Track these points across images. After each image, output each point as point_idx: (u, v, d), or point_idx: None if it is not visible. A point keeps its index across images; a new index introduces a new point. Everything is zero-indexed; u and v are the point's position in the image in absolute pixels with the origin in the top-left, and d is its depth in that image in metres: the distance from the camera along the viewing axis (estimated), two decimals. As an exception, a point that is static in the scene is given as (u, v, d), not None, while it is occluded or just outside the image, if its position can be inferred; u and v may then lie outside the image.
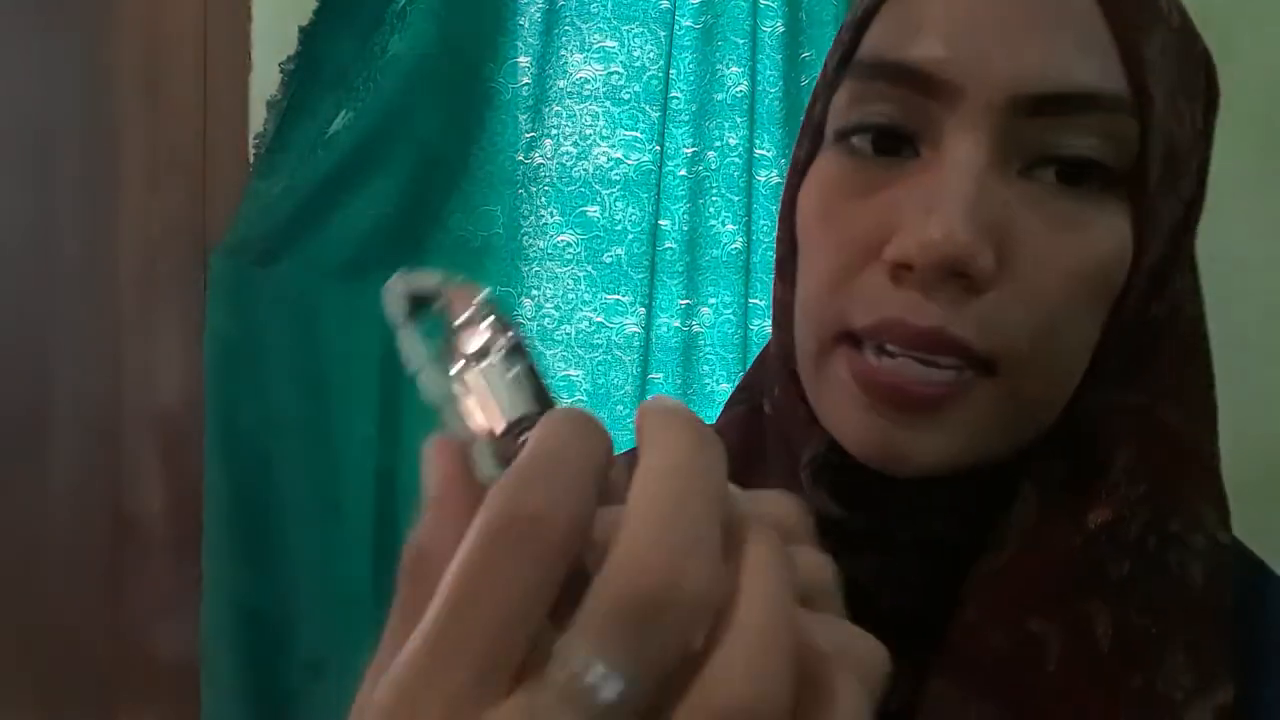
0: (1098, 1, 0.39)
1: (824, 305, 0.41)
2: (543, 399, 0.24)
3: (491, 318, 0.24)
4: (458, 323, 0.25)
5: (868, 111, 0.41)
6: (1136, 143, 0.39)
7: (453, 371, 0.24)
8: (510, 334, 0.24)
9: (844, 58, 0.43)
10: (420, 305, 0.26)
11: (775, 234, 0.48)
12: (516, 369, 0.24)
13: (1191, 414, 0.44)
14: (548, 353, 1.36)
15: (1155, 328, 0.42)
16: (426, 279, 0.26)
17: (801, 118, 0.47)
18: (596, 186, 1.36)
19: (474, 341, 0.24)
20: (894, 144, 0.40)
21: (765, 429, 0.48)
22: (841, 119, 0.42)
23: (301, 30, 1.24)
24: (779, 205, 0.47)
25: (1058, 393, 0.41)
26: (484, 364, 0.24)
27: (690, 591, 0.19)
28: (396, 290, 0.26)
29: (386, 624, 0.22)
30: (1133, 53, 0.39)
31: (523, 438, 0.22)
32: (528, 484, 0.20)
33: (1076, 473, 0.41)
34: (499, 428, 0.23)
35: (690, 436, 0.21)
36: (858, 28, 0.42)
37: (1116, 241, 0.40)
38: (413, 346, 0.25)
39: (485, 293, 0.25)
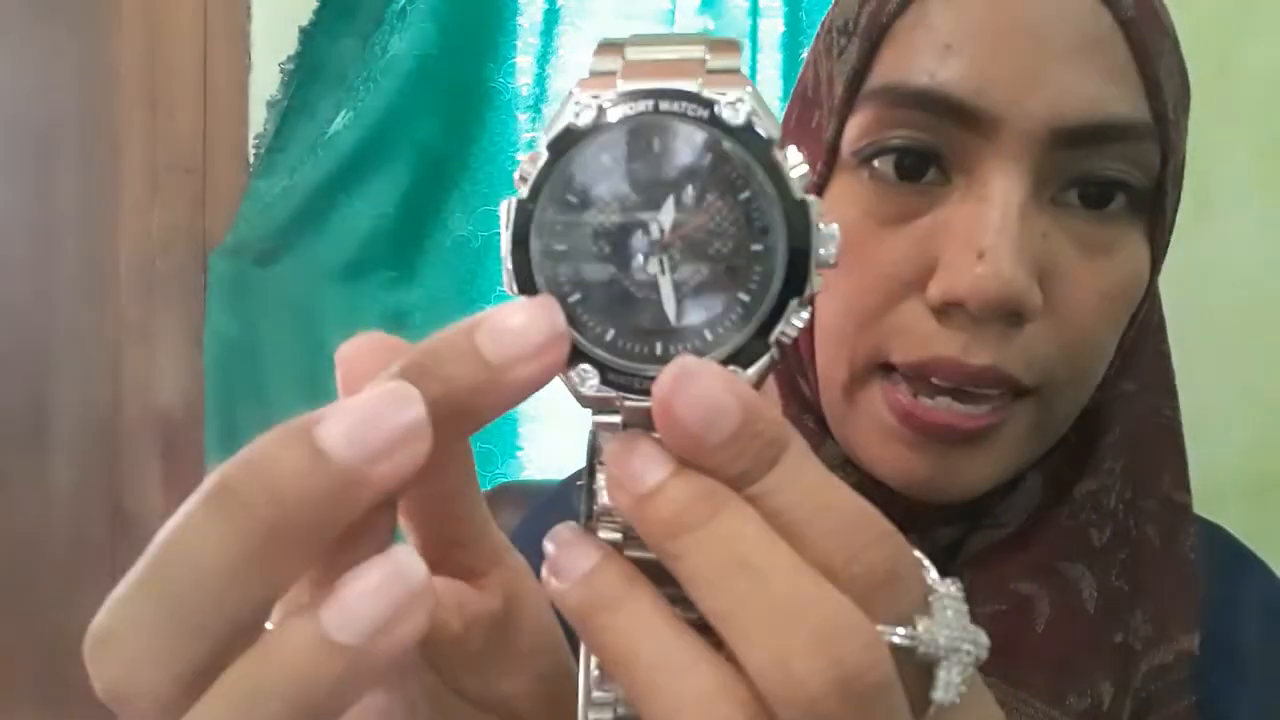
0: (1119, 23, 0.38)
1: (858, 336, 0.40)
2: None
3: None
4: None
5: (891, 134, 0.39)
6: (1158, 166, 0.39)
7: None
8: None
9: (855, 77, 0.41)
10: None
11: None
12: None
13: (1160, 393, 0.46)
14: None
15: (1144, 325, 0.44)
16: None
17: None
18: (596, 186, 1.36)
19: None
20: (919, 167, 0.39)
21: None
22: (862, 141, 0.40)
23: (301, 30, 1.24)
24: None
25: (1083, 402, 0.42)
26: None
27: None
28: None
29: None
30: (1152, 78, 0.39)
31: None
32: None
33: (1075, 455, 0.43)
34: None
35: (208, 497, 0.19)
36: (869, 43, 0.41)
37: (1141, 261, 0.41)
38: None
39: None
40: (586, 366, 0.21)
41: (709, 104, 0.21)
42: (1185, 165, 0.43)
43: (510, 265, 0.21)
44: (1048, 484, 0.43)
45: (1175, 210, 0.43)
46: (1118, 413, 0.44)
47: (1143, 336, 0.45)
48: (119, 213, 1.30)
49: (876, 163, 0.40)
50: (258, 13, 1.29)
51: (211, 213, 1.30)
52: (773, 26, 1.36)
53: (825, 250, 0.21)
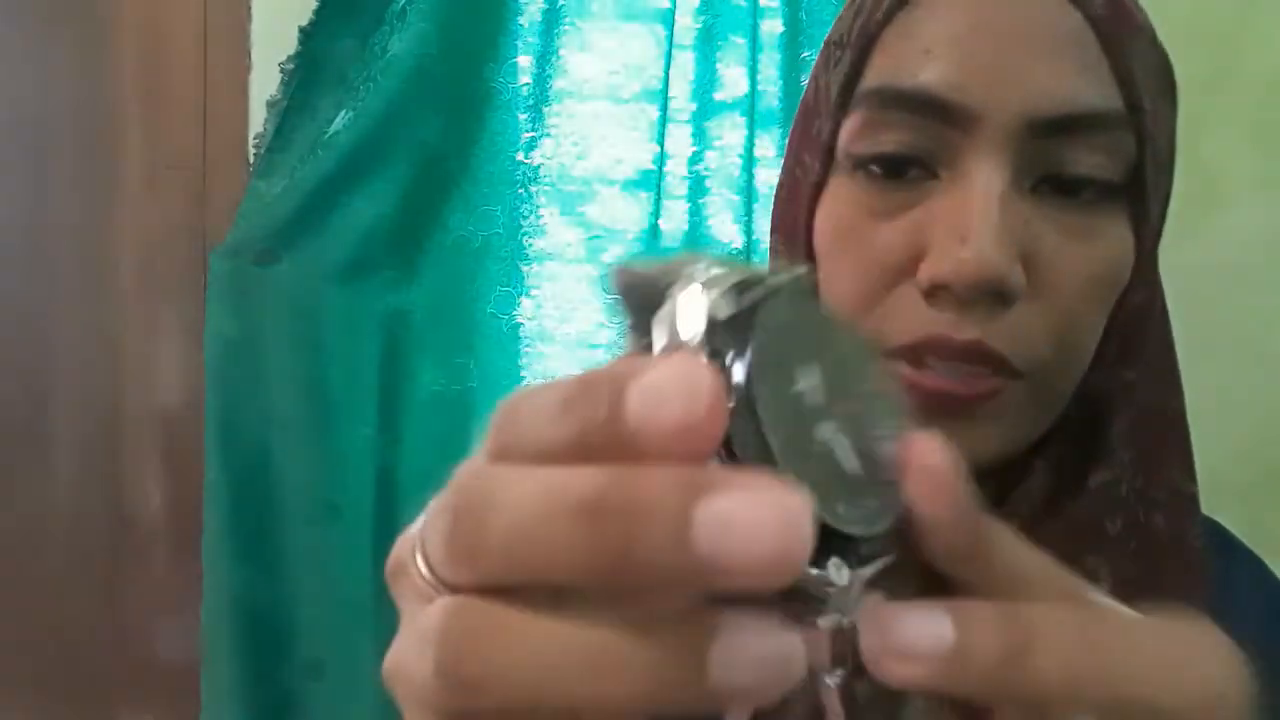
0: (1089, 21, 0.41)
1: (857, 322, 0.43)
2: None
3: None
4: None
5: (883, 139, 0.42)
6: (1135, 154, 0.42)
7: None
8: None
9: (848, 82, 0.44)
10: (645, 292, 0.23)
11: (769, 245, 0.49)
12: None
13: (1166, 384, 0.48)
14: (547, 353, 1.36)
15: (1142, 313, 0.46)
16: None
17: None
18: (596, 186, 1.36)
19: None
20: (907, 167, 0.42)
21: None
22: (856, 146, 0.43)
23: (301, 30, 1.24)
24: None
25: (1073, 386, 0.44)
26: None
27: None
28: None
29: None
30: (1123, 68, 0.41)
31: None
32: None
33: (1081, 445, 0.45)
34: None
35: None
36: (859, 51, 0.44)
37: (1122, 245, 0.43)
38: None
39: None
40: (836, 559, 0.20)
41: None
42: (1174, 153, 0.45)
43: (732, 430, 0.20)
44: (1053, 470, 0.45)
45: (1165, 195, 0.45)
46: (1121, 401, 0.45)
47: (1143, 324, 0.46)
48: (118, 212, 1.30)
49: (872, 166, 0.43)
50: (258, 13, 1.29)
51: (211, 213, 1.30)
52: (773, 26, 1.36)
53: None
